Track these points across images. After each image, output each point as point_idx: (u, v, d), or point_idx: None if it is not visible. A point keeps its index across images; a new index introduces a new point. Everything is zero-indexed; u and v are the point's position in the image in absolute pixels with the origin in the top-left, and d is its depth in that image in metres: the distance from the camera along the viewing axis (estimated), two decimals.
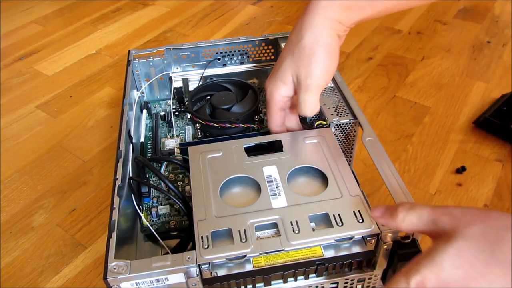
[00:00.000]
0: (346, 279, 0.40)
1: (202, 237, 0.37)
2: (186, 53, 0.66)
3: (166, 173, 0.55)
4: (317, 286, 0.40)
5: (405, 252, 0.36)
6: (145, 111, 0.63)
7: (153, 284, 0.36)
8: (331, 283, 0.40)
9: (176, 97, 0.65)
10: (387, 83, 0.81)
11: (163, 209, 0.51)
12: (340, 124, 0.49)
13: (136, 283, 0.36)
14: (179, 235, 0.49)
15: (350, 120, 0.49)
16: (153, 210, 0.50)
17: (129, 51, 0.65)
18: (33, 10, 1.19)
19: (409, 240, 0.37)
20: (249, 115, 0.57)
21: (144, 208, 0.51)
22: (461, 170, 0.61)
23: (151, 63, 0.65)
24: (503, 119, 0.66)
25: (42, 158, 0.70)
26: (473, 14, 1.01)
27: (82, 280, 0.52)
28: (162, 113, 0.64)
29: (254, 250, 0.36)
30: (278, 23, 1.04)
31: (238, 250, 0.36)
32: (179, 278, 0.36)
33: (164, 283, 0.36)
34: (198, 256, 0.36)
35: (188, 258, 0.35)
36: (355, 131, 0.50)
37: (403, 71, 0.84)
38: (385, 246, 0.36)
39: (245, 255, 0.36)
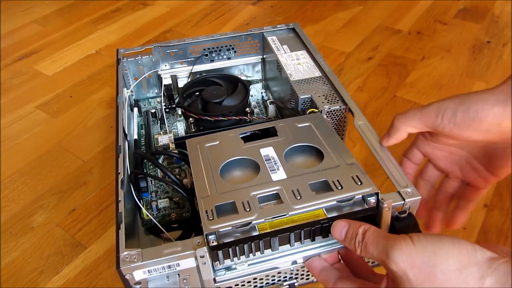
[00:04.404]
0: None
1: (206, 211, 0.38)
2: (174, 50, 0.66)
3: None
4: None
5: (403, 225, 0.38)
6: (136, 109, 0.64)
7: (165, 271, 0.37)
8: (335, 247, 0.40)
9: (165, 94, 0.66)
10: (387, 83, 0.81)
11: (163, 203, 0.52)
12: (331, 111, 0.51)
13: (148, 271, 0.36)
14: (180, 227, 0.49)
15: (340, 106, 0.51)
16: (153, 204, 0.51)
17: (117, 50, 0.65)
18: (33, 10, 1.19)
19: (406, 214, 0.39)
20: (240, 108, 0.58)
21: (143, 202, 0.51)
22: None
23: (139, 62, 0.65)
24: None
25: (42, 158, 0.70)
26: (473, 14, 1.01)
27: (82, 280, 0.52)
28: (153, 111, 0.65)
29: (259, 217, 0.37)
30: (278, 23, 1.03)
31: (243, 218, 0.37)
32: (190, 263, 0.37)
33: (176, 269, 0.37)
34: (204, 227, 0.36)
35: (198, 242, 0.36)
36: (345, 117, 0.52)
37: (403, 71, 0.84)
38: (385, 205, 0.37)
39: (250, 222, 0.37)
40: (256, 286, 0.42)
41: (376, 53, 0.89)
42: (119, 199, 0.41)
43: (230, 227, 0.36)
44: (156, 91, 0.69)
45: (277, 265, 0.40)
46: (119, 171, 0.44)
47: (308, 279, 0.44)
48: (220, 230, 0.36)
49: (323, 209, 0.38)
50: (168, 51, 0.66)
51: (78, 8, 1.18)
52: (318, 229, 0.37)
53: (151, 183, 0.54)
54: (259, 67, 0.71)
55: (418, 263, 0.29)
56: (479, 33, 0.94)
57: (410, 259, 0.29)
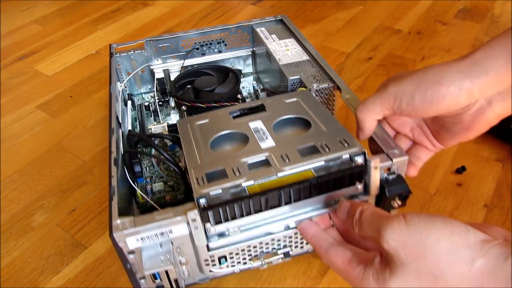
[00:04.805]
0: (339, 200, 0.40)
1: (197, 179, 0.38)
2: (165, 45, 0.68)
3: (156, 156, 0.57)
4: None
5: (392, 187, 0.39)
6: (129, 102, 0.65)
7: (158, 238, 0.37)
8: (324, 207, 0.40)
9: (158, 88, 0.67)
10: None
11: (158, 186, 0.53)
12: (320, 89, 0.53)
13: (141, 238, 0.37)
14: None
15: (328, 84, 0.52)
16: (148, 187, 0.52)
17: (110, 45, 0.66)
18: (33, 10, 1.19)
19: (395, 176, 0.40)
20: (232, 94, 0.59)
21: (138, 186, 0.52)
22: (461, 170, 0.61)
23: (132, 57, 0.66)
24: (503, 119, 0.66)
25: (42, 158, 0.70)
26: (473, 14, 1.01)
27: (82, 280, 0.52)
28: (147, 103, 0.65)
29: (248, 180, 0.37)
30: None
31: (233, 182, 0.37)
32: (183, 229, 0.37)
33: (168, 236, 0.37)
34: (194, 192, 0.37)
35: (189, 207, 0.36)
36: (334, 96, 0.54)
37: (403, 71, 0.84)
38: (372, 164, 0.38)
39: (240, 185, 0.37)
40: (250, 255, 0.42)
41: (376, 53, 0.89)
42: (112, 174, 0.42)
43: (220, 190, 0.37)
44: (149, 86, 0.70)
45: (270, 230, 0.40)
46: (112, 150, 0.45)
47: (302, 247, 0.44)
48: (211, 193, 0.37)
49: (312, 170, 0.39)
50: (160, 45, 0.67)
51: (78, 8, 1.18)
52: (307, 187, 0.37)
53: (146, 169, 0.55)
54: (250, 61, 0.72)
55: (409, 243, 0.29)
56: (479, 33, 0.94)
57: (402, 239, 0.29)
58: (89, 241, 0.56)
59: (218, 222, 0.37)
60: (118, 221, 0.36)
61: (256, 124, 0.45)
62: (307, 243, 0.44)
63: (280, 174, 0.38)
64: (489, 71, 0.33)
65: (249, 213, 0.38)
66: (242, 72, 0.72)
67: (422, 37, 0.94)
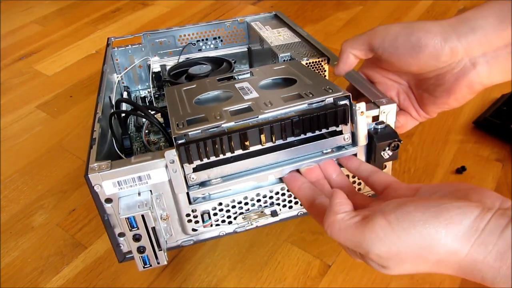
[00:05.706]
0: (326, 152, 0.39)
1: (177, 124, 0.37)
2: (162, 39, 0.68)
3: (149, 136, 0.57)
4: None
5: (381, 136, 0.38)
6: (125, 93, 0.65)
7: (136, 184, 0.36)
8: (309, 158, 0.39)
9: (155, 82, 0.68)
10: None
11: None
12: (310, 63, 0.53)
13: (118, 182, 0.36)
14: None
15: (319, 58, 0.53)
16: None
17: (108, 38, 0.66)
18: (33, 10, 1.19)
19: (383, 126, 0.39)
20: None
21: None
22: (461, 170, 0.61)
23: (130, 51, 0.67)
24: (503, 119, 0.66)
25: (42, 158, 0.70)
26: None
27: (82, 280, 0.52)
28: (143, 95, 0.67)
29: (229, 121, 0.36)
30: None
31: (213, 123, 0.36)
32: (162, 175, 0.36)
33: (147, 181, 0.36)
34: (172, 132, 0.36)
35: (168, 152, 0.35)
36: (325, 70, 0.54)
37: None
38: (358, 108, 0.37)
39: (220, 125, 0.36)
40: (235, 212, 0.41)
41: None
42: (95, 129, 0.42)
43: (199, 131, 0.36)
44: (147, 84, 0.70)
45: (254, 182, 0.38)
46: (97, 111, 0.46)
47: (291, 207, 0.43)
48: (190, 134, 0.35)
49: (294, 112, 0.37)
50: (157, 40, 0.68)
51: (78, 8, 1.19)
52: (288, 125, 0.36)
53: (137, 150, 0.55)
54: (246, 60, 0.73)
55: (403, 249, 0.26)
56: None
57: (394, 249, 0.27)
58: (89, 241, 0.56)
59: (198, 166, 0.36)
60: (95, 164, 0.36)
61: (242, 84, 0.45)
62: (296, 203, 0.42)
63: (261, 116, 0.37)
64: (476, 30, 0.33)
65: (230, 159, 0.36)
66: (239, 69, 0.73)
67: None
